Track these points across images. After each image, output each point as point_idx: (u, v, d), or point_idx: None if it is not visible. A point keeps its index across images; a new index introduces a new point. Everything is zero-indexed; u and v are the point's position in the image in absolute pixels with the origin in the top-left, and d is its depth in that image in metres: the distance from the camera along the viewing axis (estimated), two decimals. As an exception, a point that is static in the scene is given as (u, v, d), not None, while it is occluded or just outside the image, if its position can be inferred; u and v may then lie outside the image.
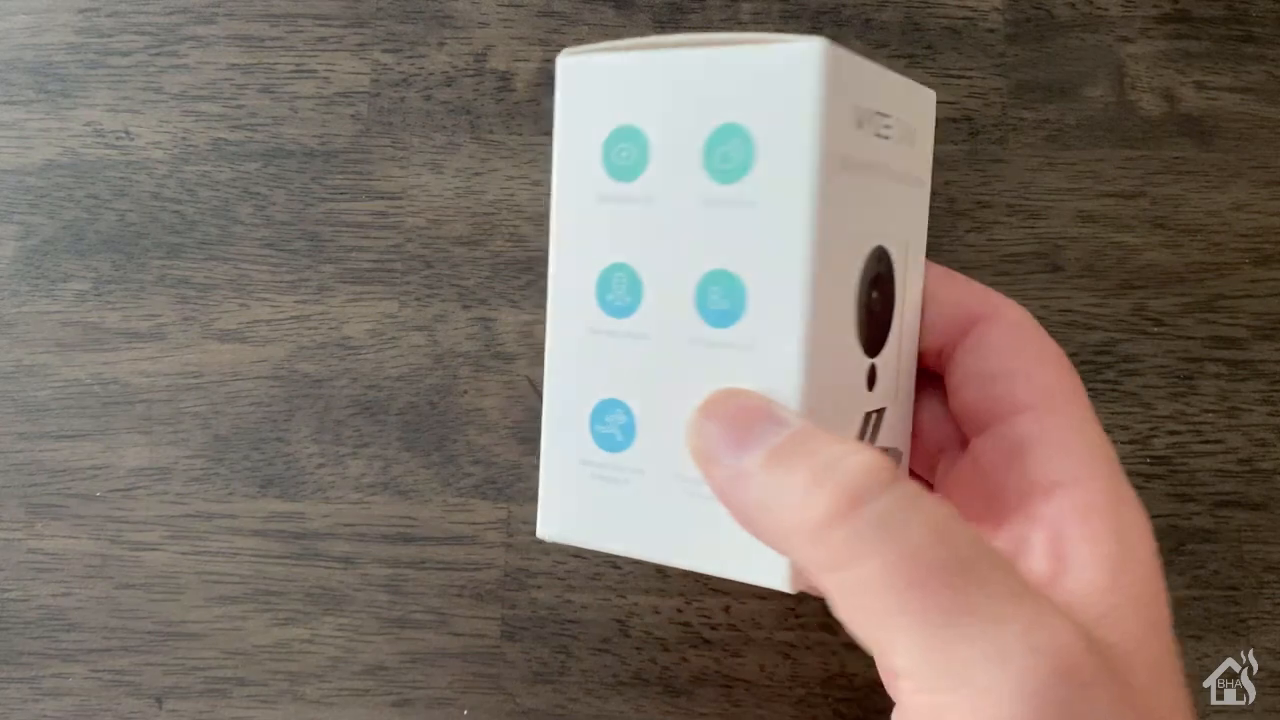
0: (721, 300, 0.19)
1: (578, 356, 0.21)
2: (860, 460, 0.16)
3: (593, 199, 0.20)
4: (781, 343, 0.18)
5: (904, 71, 0.32)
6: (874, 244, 0.20)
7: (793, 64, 0.18)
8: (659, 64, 0.19)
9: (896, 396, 0.22)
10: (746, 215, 0.18)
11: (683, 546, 0.20)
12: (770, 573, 0.19)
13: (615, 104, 0.20)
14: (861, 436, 0.21)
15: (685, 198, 0.19)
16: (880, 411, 0.21)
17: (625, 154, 0.20)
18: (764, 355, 0.18)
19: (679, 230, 0.19)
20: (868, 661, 0.29)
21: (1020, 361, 0.21)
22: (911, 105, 0.22)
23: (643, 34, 0.32)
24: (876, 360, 0.21)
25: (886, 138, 0.20)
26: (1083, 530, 0.19)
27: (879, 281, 0.20)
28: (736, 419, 0.18)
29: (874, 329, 0.21)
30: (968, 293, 0.22)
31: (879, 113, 0.20)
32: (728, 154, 0.18)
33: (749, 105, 0.18)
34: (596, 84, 0.20)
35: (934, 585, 0.15)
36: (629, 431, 0.20)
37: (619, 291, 0.20)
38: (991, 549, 0.16)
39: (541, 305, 0.31)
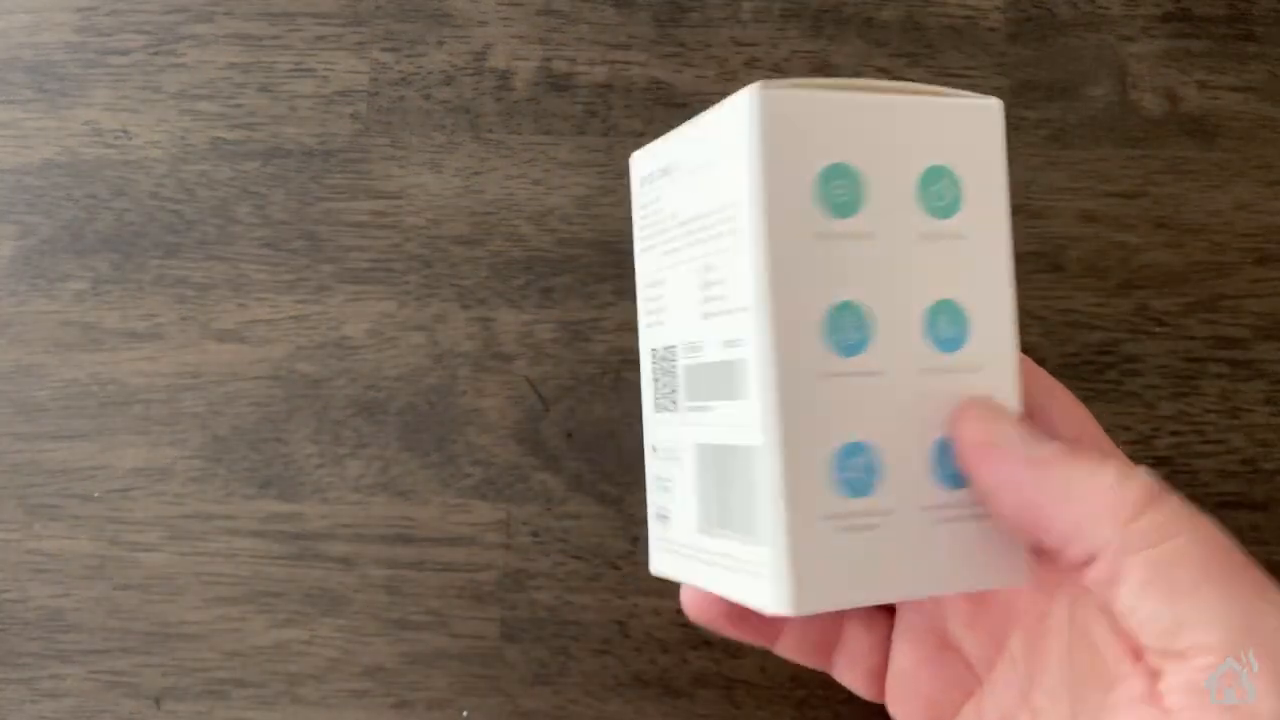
0: (949, 327, 0.20)
1: (810, 404, 0.19)
2: (1146, 469, 0.19)
3: (810, 237, 0.20)
4: (1001, 361, 0.20)
5: (904, 71, 0.32)
6: None
7: (985, 116, 0.20)
8: (869, 105, 0.20)
9: None
10: (961, 247, 0.20)
11: (933, 575, 0.20)
12: (1011, 573, 0.20)
13: (826, 142, 0.20)
14: None
15: (904, 232, 0.20)
16: None
17: (841, 191, 0.20)
18: (988, 375, 0.20)
19: (902, 264, 0.20)
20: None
21: (1048, 399, 0.22)
22: None
23: (643, 32, 0.32)
24: None
25: None
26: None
27: None
28: (1019, 417, 0.20)
29: None
30: None
31: None
32: (940, 192, 0.20)
33: (953, 149, 0.20)
34: (804, 121, 0.20)
35: (1234, 561, 0.18)
36: (872, 472, 0.20)
37: (849, 329, 0.20)
38: None
39: (541, 305, 0.31)
